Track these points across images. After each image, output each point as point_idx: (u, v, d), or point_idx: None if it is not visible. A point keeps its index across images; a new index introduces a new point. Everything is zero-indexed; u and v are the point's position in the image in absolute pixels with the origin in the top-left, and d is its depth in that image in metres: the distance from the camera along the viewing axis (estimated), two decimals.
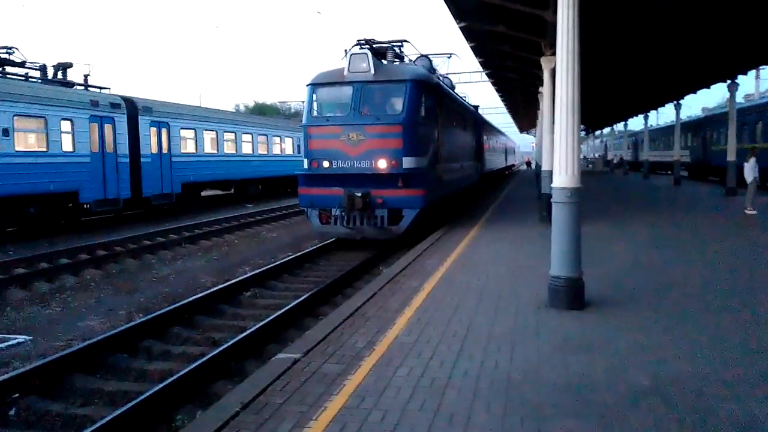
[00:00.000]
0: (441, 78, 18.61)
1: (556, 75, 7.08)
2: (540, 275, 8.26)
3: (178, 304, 8.59)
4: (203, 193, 27.71)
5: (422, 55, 17.78)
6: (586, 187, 7.16)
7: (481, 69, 24.33)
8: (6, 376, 5.85)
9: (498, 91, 33.89)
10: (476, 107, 27.72)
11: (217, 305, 9.07)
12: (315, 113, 13.48)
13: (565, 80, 6.83)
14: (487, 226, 15.04)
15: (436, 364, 5.18)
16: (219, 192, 30.87)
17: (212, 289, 9.55)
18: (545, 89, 15.81)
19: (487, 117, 41.06)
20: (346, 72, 13.27)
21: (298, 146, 34.03)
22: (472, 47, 18.74)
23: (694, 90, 28.86)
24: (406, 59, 16.25)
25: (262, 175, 30.99)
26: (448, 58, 21.84)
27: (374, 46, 14.81)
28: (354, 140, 12.68)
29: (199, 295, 9.12)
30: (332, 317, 6.85)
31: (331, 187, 12.93)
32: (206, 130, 26.06)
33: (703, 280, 8.41)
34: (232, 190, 30.36)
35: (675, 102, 31.65)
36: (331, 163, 12.97)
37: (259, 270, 11.09)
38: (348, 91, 13.16)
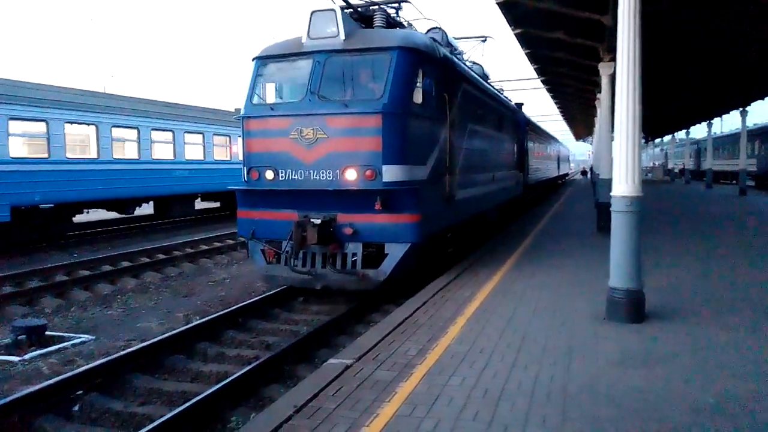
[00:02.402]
0: (460, 58, 13.35)
1: (615, 81, 6.90)
2: (597, 287, 8.04)
3: (232, 308, 8.76)
4: (82, 217, 20.26)
5: (435, 28, 12.59)
6: (645, 196, 6.92)
7: (536, 75, 23.97)
8: (71, 374, 6.09)
9: (553, 98, 33.36)
10: (519, 105, 22.67)
11: (271, 309, 9.21)
12: (257, 99, 9.31)
13: (626, 86, 6.64)
14: (539, 238, 14.75)
15: (489, 375, 5.10)
16: (117, 215, 22.04)
17: (266, 294, 9.70)
18: (603, 96, 15.45)
19: (542, 125, 39.92)
20: (305, 39, 9.03)
21: None
22: (527, 54, 18.54)
23: (762, 96, 27.64)
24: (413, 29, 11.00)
25: (197, 190, 22.47)
26: (482, 41, 16.74)
27: (357, 7, 10.23)
28: (309, 139, 8.48)
29: (254, 299, 9.28)
30: (383, 324, 6.84)
31: (279, 209, 8.81)
32: (71, 122, 16.77)
33: None
34: (152, 209, 22.61)
35: (741, 109, 30.39)
36: (276, 174, 8.76)
37: None
38: (305, 65, 8.94)
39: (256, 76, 9.44)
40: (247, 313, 8.80)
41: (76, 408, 5.67)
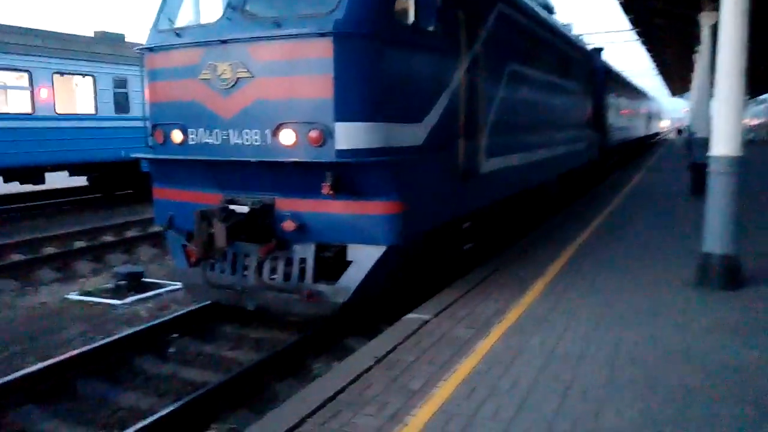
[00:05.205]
0: None
1: (718, 32, 6.41)
2: (689, 252, 7.69)
3: None
4: None
5: None
6: (746, 157, 6.50)
7: (622, 27, 22.62)
8: (167, 317, 6.53)
9: (648, 51, 31.43)
10: (598, 50, 18.46)
11: None
12: (166, 24, 6.42)
13: (729, 37, 6.18)
14: (625, 203, 14.19)
15: (569, 337, 5.02)
16: None
17: None
18: (703, 48, 14.46)
19: (634, 80, 37.51)
20: None
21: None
22: (621, 4, 17.48)
23: None
24: None
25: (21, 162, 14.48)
26: None
27: None
28: (227, 80, 5.61)
29: None
30: (461, 283, 6.83)
31: (197, 188, 6.19)
32: None
33: None
34: None
35: None
36: (185, 136, 6.04)
37: None
38: None
39: None
40: None
41: (172, 350, 6.09)
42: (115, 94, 16.64)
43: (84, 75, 16.03)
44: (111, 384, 5.29)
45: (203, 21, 6.29)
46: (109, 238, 11.92)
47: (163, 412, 4.38)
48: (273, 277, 5.98)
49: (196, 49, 5.83)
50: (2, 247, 10.62)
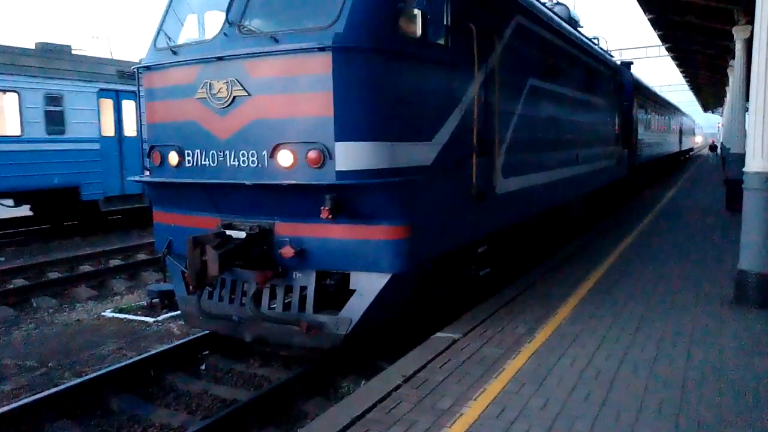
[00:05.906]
0: None
1: (753, 45, 6.32)
2: (724, 269, 7.52)
3: None
4: None
5: None
6: None
7: (659, 43, 22.39)
8: (198, 335, 6.60)
9: (678, 66, 31.04)
10: (627, 64, 18.17)
11: None
12: (165, 42, 6.13)
13: (765, 50, 6.06)
14: (660, 218, 13.95)
15: (602, 356, 4.94)
16: None
17: None
18: (737, 62, 14.24)
19: (666, 95, 37.09)
20: None
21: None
22: (650, 20, 17.35)
23: None
24: None
25: None
26: None
27: None
28: (223, 99, 5.34)
29: None
30: (491, 302, 6.78)
31: (195, 212, 5.95)
32: None
33: None
34: None
35: None
36: (182, 157, 5.78)
37: None
38: None
39: (169, 8, 6.37)
40: None
41: (203, 367, 6.15)
42: (46, 112, 14.26)
43: (5, 91, 13.68)
44: (143, 400, 5.36)
45: (202, 38, 6.05)
46: (142, 256, 12.17)
47: (193, 429, 4.42)
48: (272, 306, 5.73)
49: (191, 67, 5.59)
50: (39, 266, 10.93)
